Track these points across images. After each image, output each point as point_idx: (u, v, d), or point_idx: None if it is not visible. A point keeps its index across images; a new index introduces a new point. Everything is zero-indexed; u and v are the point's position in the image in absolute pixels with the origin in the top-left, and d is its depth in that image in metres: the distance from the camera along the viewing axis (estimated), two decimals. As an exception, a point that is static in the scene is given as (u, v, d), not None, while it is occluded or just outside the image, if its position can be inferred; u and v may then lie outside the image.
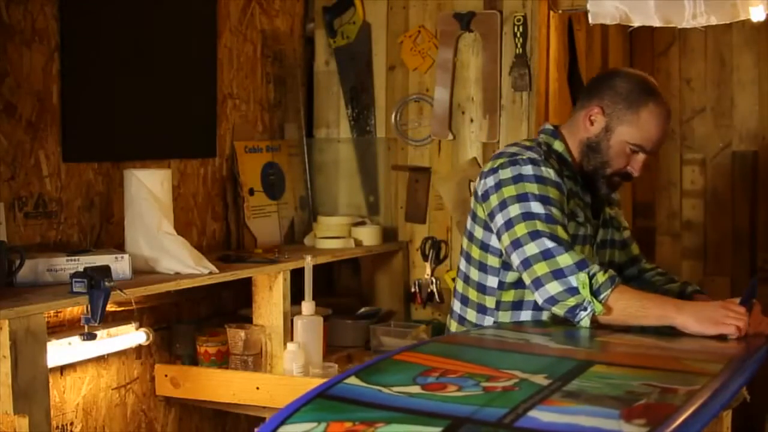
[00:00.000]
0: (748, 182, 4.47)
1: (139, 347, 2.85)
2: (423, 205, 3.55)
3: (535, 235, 2.23)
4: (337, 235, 3.39)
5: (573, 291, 2.18)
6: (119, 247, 2.70)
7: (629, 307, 2.20)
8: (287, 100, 3.57)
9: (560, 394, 1.61)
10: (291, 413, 1.54)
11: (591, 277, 2.17)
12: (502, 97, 3.39)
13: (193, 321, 3.09)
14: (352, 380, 1.69)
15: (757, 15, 3.02)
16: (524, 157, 2.34)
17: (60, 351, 2.51)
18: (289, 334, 2.95)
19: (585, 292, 2.16)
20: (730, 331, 2.13)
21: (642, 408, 1.53)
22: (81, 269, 2.35)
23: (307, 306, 2.93)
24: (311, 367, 2.89)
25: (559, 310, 2.21)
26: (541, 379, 1.68)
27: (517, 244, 2.26)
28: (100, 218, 2.77)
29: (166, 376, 2.92)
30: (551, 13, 3.41)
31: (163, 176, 2.72)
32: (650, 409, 1.53)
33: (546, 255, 2.21)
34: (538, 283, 2.21)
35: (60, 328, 2.60)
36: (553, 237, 2.21)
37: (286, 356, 2.88)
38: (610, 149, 2.36)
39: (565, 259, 2.19)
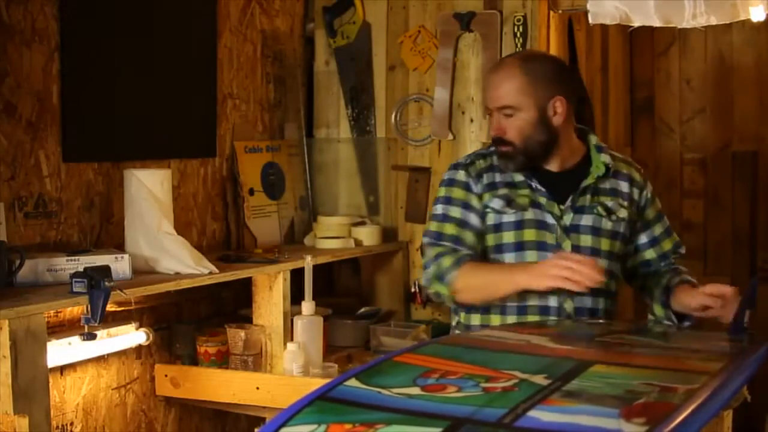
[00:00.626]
0: (748, 182, 4.48)
1: (139, 347, 2.85)
2: (423, 205, 3.55)
3: (425, 234, 2.61)
4: (337, 235, 3.39)
5: (429, 280, 2.54)
6: (119, 247, 2.70)
7: (482, 285, 2.48)
8: (287, 100, 3.57)
9: (560, 394, 1.61)
10: (291, 415, 1.54)
11: (439, 265, 2.50)
12: (502, 97, 3.39)
13: (193, 321, 3.09)
14: (352, 382, 1.69)
15: (757, 15, 3.02)
16: (453, 163, 2.65)
17: (60, 351, 2.51)
18: (289, 334, 2.95)
19: (433, 281, 2.52)
20: (557, 283, 2.30)
21: (641, 407, 1.54)
22: (81, 269, 2.35)
23: (307, 306, 2.93)
24: (311, 367, 2.89)
25: (431, 294, 2.61)
26: (540, 380, 1.68)
27: None
28: (100, 218, 2.77)
29: (166, 376, 2.92)
30: (551, 13, 3.41)
31: (163, 176, 2.72)
32: (650, 408, 1.53)
33: (423, 249, 2.61)
34: (423, 268, 2.60)
35: (60, 328, 2.60)
36: (434, 234, 2.56)
37: (286, 356, 2.88)
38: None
39: (429, 254, 2.55)
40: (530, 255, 2.48)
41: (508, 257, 2.51)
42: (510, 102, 2.49)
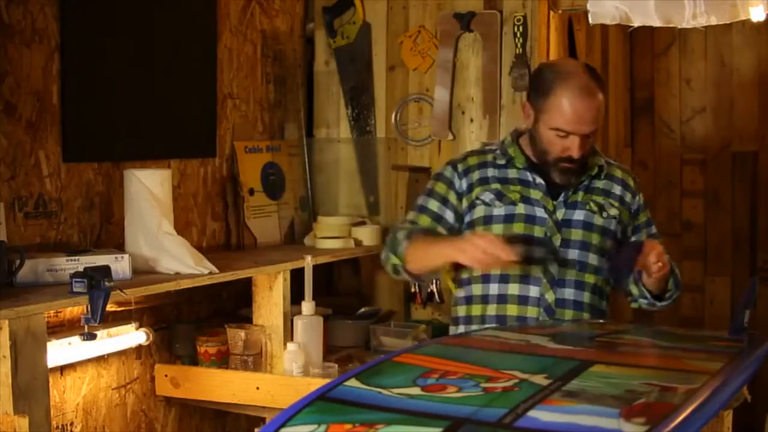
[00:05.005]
0: (748, 182, 4.48)
1: (139, 347, 2.85)
2: (423, 205, 3.55)
3: (403, 220, 2.73)
4: (337, 235, 3.38)
5: (386, 254, 2.64)
6: (119, 247, 2.70)
7: (422, 256, 2.56)
8: (287, 100, 3.57)
9: (560, 394, 1.61)
10: (292, 415, 1.55)
11: (393, 238, 2.61)
12: (502, 97, 3.39)
13: (193, 321, 3.09)
14: (352, 382, 1.70)
15: (757, 15, 3.02)
16: (448, 160, 2.75)
17: (60, 351, 2.51)
18: (289, 334, 2.95)
19: (387, 249, 2.63)
20: (469, 262, 2.41)
21: (641, 407, 1.54)
22: (81, 269, 2.35)
23: (307, 306, 2.93)
24: (311, 367, 2.89)
25: (389, 270, 2.66)
26: (541, 379, 1.68)
27: None
28: (100, 218, 2.77)
29: (166, 376, 2.92)
30: (551, 13, 3.41)
31: (163, 176, 2.72)
32: (650, 408, 1.54)
33: (390, 234, 2.68)
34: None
35: (60, 328, 2.60)
36: (409, 222, 2.66)
37: (286, 356, 2.88)
38: (542, 139, 2.56)
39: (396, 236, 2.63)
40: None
41: None
42: (597, 125, 2.54)
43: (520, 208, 2.58)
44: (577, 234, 2.59)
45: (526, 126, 2.62)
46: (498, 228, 2.57)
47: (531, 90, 2.62)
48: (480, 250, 2.37)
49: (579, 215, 2.60)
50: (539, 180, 2.59)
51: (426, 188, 2.70)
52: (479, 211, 2.60)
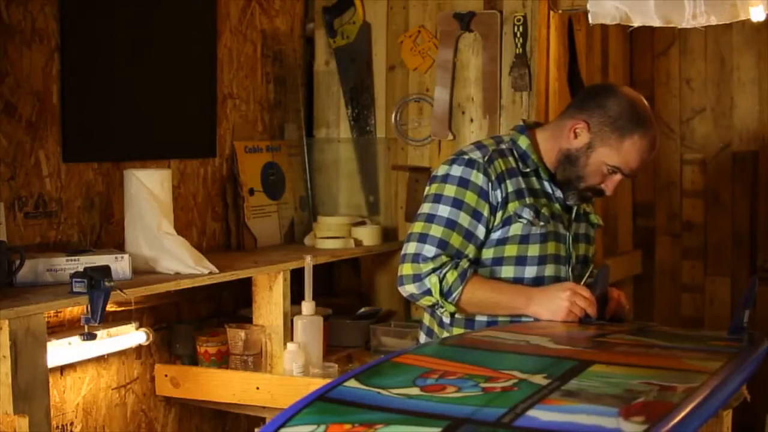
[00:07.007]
0: (748, 182, 4.47)
1: (139, 347, 2.86)
2: (423, 205, 3.54)
3: (422, 238, 2.38)
4: (337, 235, 3.39)
5: (428, 292, 2.35)
6: (119, 247, 2.70)
7: (483, 301, 2.37)
8: (287, 100, 3.57)
9: (559, 394, 1.61)
10: (291, 416, 1.55)
11: (441, 280, 2.33)
12: (502, 97, 3.39)
13: (193, 321, 3.09)
14: (352, 383, 1.70)
15: (757, 15, 3.02)
16: (465, 157, 2.42)
17: (60, 351, 2.51)
18: (289, 334, 2.95)
19: (436, 295, 2.34)
20: (570, 319, 2.30)
21: (640, 406, 1.54)
22: (81, 269, 2.35)
23: (307, 306, 2.93)
24: (311, 367, 2.89)
25: (422, 302, 2.41)
26: (540, 379, 1.69)
27: (408, 238, 2.42)
28: (100, 218, 2.77)
29: (166, 376, 2.92)
30: (551, 13, 3.41)
31: (163, 176, 2.73)
32: (649, 407, 1.54)
33: (415, 258, 2.37)
34: (401, 280, 2.39)
35: (60, 328, 2.60)
36: (436, 242, 2.35)
37: (286, 356, 2.88)
38: (587, 166, 2.42)
39: (427, 265, 2.35)
40: (549, 269, 2.42)
41: (529, 270, 2.40)
42: None
43: (551, 226, 2.42)
44: (581, 249, 2.53)
45: (567, 145, 2.43)
46: (534, 248, 2.39)
47: (597, 117, 2.39)
48: (570, 304, 2.28)
49: (582, 228, 2.53)
50: (559, 193, 2.46)
51: (445, 195, 2.39)
52: (516, 229, 2.37)
